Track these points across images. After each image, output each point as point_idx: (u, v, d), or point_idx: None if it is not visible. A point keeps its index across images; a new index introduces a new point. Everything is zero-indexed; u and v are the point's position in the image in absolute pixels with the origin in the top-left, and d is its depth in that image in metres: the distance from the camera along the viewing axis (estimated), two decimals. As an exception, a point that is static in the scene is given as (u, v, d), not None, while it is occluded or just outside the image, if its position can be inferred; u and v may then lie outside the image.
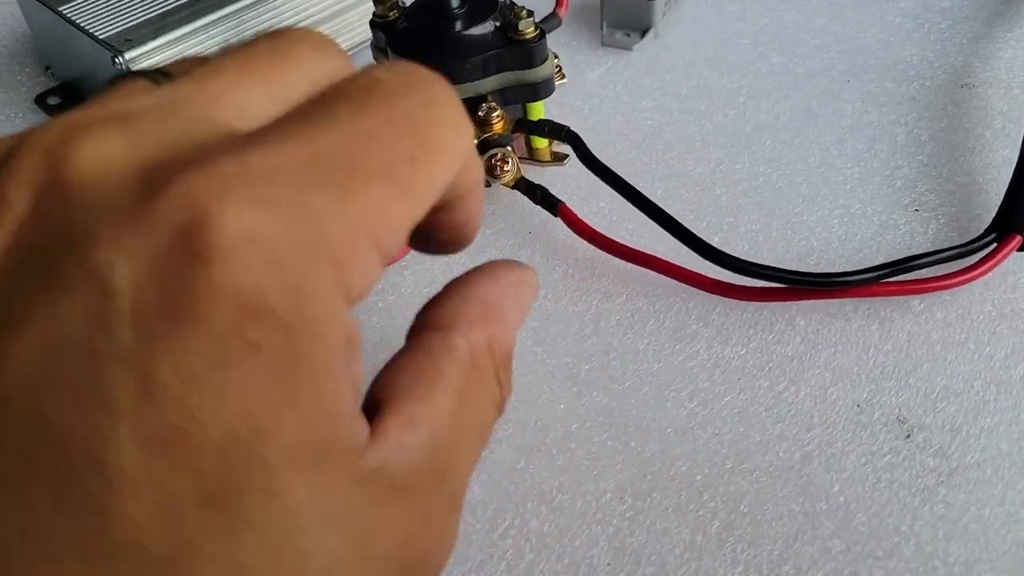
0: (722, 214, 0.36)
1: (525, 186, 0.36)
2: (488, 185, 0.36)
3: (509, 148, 0.36)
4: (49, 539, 0.14)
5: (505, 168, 0.35)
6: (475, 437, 0.19)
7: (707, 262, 0.32)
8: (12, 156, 0.16)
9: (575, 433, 0.29)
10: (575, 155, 0.35)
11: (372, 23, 0.37)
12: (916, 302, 0.32)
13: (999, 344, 0.30)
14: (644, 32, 0.45)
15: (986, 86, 0.40)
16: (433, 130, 0.18)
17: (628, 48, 0.45)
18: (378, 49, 0.38)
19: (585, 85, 0.43)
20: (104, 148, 0.15)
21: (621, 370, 0.31)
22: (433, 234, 0.22)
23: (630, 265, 0.34)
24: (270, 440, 0.15)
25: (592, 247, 0.34)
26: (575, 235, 0.35)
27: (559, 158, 0.37)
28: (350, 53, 0.45)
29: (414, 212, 0.17)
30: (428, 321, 0.20)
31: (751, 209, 0.36)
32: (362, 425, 0.17)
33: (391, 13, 0.36)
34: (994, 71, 0.41)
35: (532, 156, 0.38)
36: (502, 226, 0.37)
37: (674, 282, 0.33)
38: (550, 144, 0.38)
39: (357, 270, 0.16)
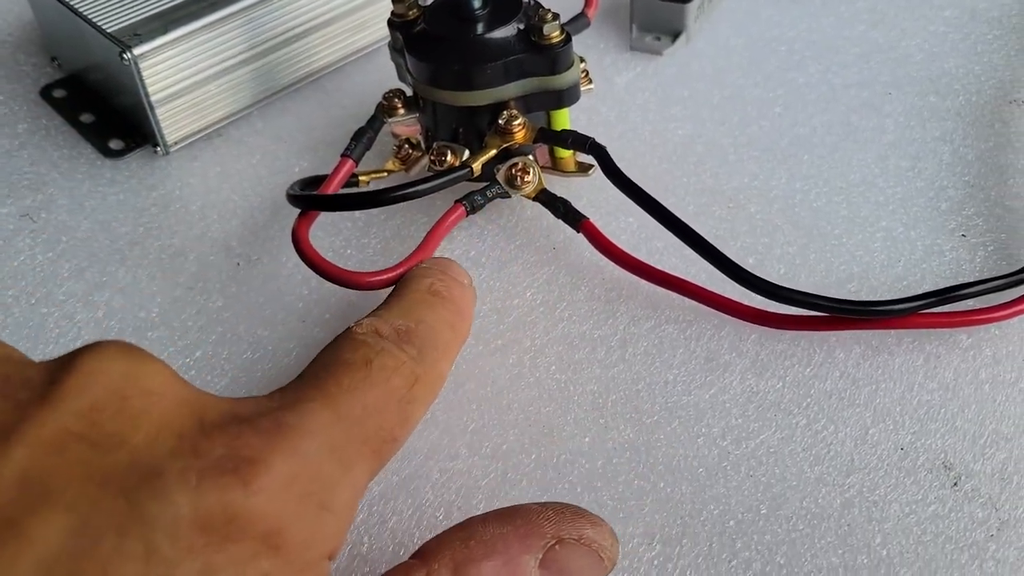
0: (757, 234, 0.34)
1: (547, 198, 0.34)
2: (508, 196, 0.34)
3: (531, 157, 0.34)
4: None
5: (526, 179, 0.34)
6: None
7: (741, 287, 0.30)
8: None
9: (601, 471, 0.28)
10: (600, 169, 0.33)
11: (390, 23, 0.35)
12: (963, 336, 0.30)
13: (1053, 386, 0.29)
14: (675, 36, 0.43)
15: (1037, 103, 0.38)
16: (413, 411, 0.23)
17: (658, 53, 0.43)
18: (395, 50, 0.36)
19: (612, 91, 0.41)
20: None
21: (649, 402, 0.29)
22: None
23: (655, 290, 0.32)
24: None
25: (614, 271, 0.33)
26: (596, 256, 0.33)
27: (584, 168, 0.36)
28: (367, 51, 0.43)
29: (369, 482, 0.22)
30: None
31: (787, 230, 0.34)
32: None
33: (410, 12, 0.34)
34: (1045, 87, 0.39)
35: (555, 166, 0.36)
36: (523, 240, 0.35)
37: (703, 309, 0.31)
38: (575, 153, 0.36)
39: (343, 531, 0.21)
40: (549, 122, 0.35)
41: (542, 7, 0.33)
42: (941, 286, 0.31)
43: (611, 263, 0.33)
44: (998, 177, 0.35)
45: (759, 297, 0.30)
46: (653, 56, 0.43)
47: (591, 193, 0.36)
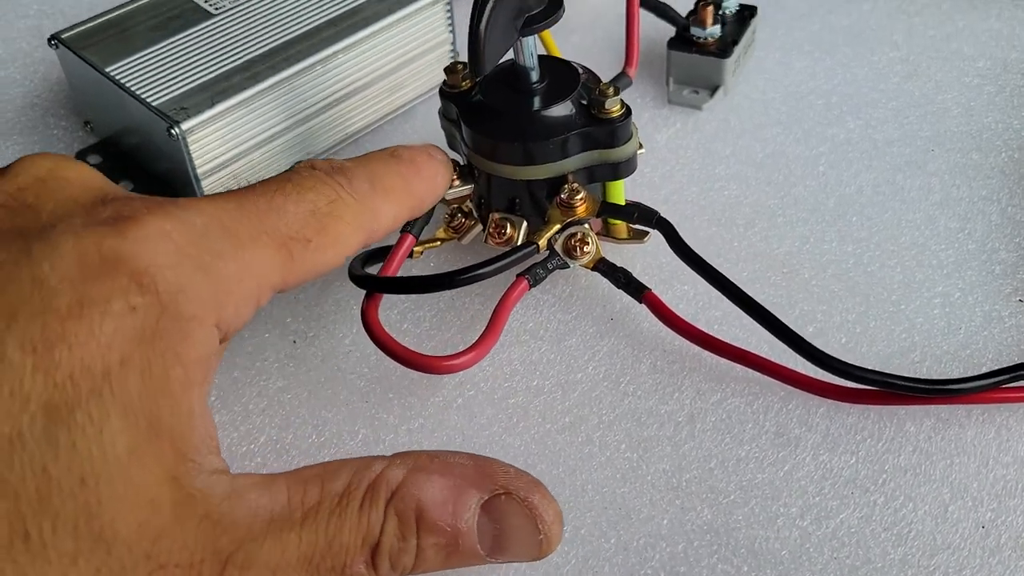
0: (814, 301, 0.34)
1: (606, 268, 0.34)
2: (567, 267, 0.34)
3: (587, 226, 0.34)
4: None
5: (585, 249, 0.34)
6: (312, 568, 0.22)
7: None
8: None
9: (683, 555, 0.28)
10: (667, 244, 0.33)
11: (442, 93, 0.35)
12: (1033, 409, 0.30)
13: None
14: (713, 90, 0.43)
15: (1079, 160, 0.38)
16: (333, 223, 0.26)
17: (697, 107, 0.43)
18: (448, 120, 0.36)
19: (655, 149, 0.41)
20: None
21: (724, 480, 0.29)
22: None
23: (717, 360, 0.32)
24: (114, 383, 0.20)
25: (674, 341, 0.33)
26: (656, 325, 0.33)
27: (638, 235, 0.36)
28: (404, 109, 0.43)
29: (294, 280, 0.25)
30: None
31: (844, 296, 0.34)
32: (208, 445, 0.22)
33: (463, 83, 0.34)
34: (1085, 142, 0.39)
35: (608, 232, 0.36)
36: (580, 311, 0.35)
37: (767, 380, 0.31)
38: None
39: (234, 304, 0.23)
40: (604, 191, 0.35)
41: (601, 80, 0.33)
42: (1005, 355, 0.32)
43: (671, 333, 0.33)
44: (1049, 238, 0.36)
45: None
46: (692, 111, 0.43)
47: (643, 259, 0.36)
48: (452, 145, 0.36)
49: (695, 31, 0.43)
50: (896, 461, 0.29)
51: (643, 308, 0.34)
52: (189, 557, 0.21)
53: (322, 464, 0.24)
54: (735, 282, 0.32)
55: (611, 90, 0.32)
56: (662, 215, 0.34)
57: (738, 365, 0.32)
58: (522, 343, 0.34)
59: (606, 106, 0.32)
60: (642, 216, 0.34)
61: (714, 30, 0.42)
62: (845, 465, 0.29)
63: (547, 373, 0.33)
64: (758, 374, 0.32)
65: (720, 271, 0.32)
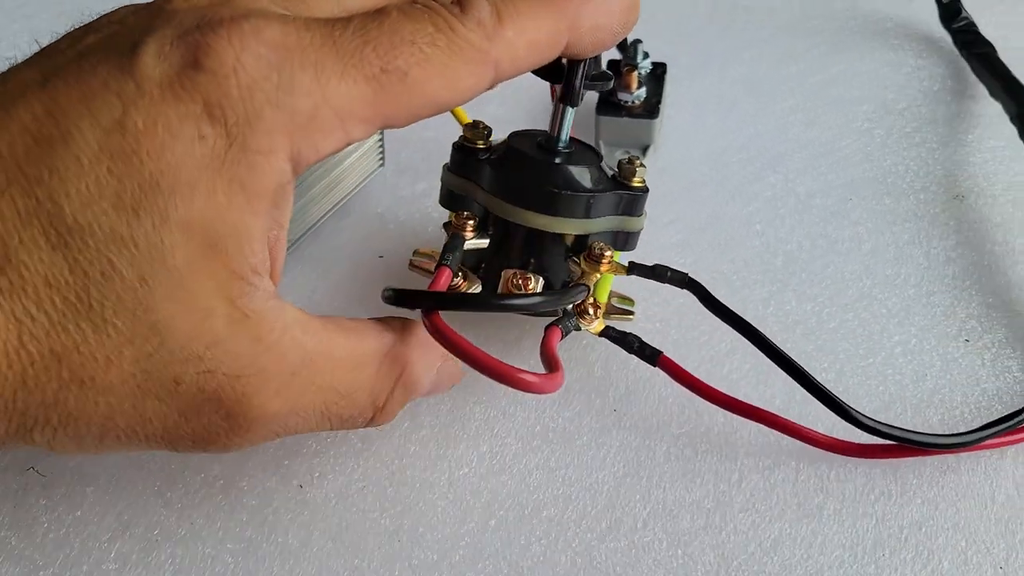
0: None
1: (616, 335, 0.34)
2: (579, 329, 0.33)
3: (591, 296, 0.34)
4: None
5: (598, 312, 0.33)
6: (317, 413, 0.26)
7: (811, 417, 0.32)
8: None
9: (754, 648, 0.29)
10: (701, 302, 0.34)
11: (458, 146, 0.34)
12: (1010, 448, 0.33)
13: (1095, 481, 0.33)
14: (644, 150, 0.44)
15: (975, 196, 0.43)
16: (438, 54, 0.25)
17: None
18: (458, 174, 0.34)
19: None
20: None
21: (767, 563, 0.31)
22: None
23: (723, 434, 0.33)
24: (179, 202, 0.22)
25: (681, 424, 0.34)
26: (658, 409, 0.34)
27: (624, 312, 0.36)
28: (344, 201, 0.41)
29: (394, 114, 0.25)
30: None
31: (818, 356, 0.37)
32: (265, 268, 0.24)
33: (480, 143, 0.33)
34: (974, 179, 0.44)
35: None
36: (581, 406, 0.35)
37: (774, 445, 0.33)
38: (611, 297, 0.36)
39: (310, 138, 0.24)
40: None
41: (632, 156, 0.34)
42: (971, 396, 0.35)
43: (674, 418, 0.34)
44: (972, 276, 0.40)
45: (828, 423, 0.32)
46: (624, 179, 0.44)
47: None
48: (447, 203, 0.35)
49: (621, 95, 0.44)
50: (911, 516, 0.32)
51: (640, 394, 0.35)
52: (238, 371, 0.24)
53: (363, 321, 0.28)
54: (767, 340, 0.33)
55: (638, 161, 0.34)
56: (690, 275, 0.34)
57: (746, 436, 0.33)
58: (535, 449, 0.34)
59: (637, 174, 0.34)
60: (674, 277, 0.34)
61: (640, 92, 0.44)
62: (868, 527, 0.32)
63: (569, 479, 0.33)
64: (764, 444, 0.33)
65: (754, 325, 0.33)
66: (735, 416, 0.34)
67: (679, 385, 0.33)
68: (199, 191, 0.23)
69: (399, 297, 0.29)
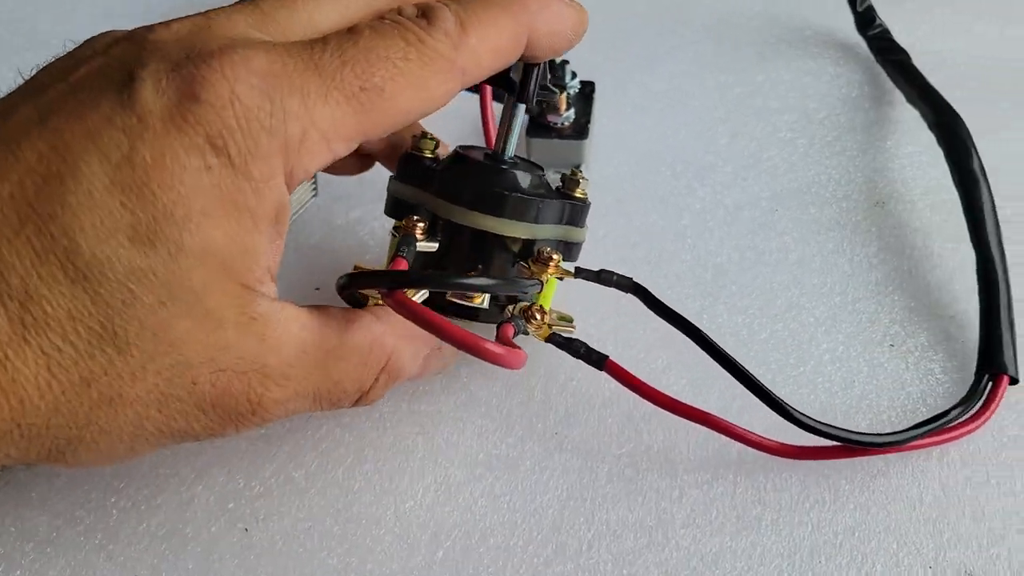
0: (730, 376, 0.37)
1: (561, 340, 0.34)
2: (527, 334, 0.34)
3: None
4: None
5: (545, 319, 0.34)
6: (310, 397, 0.29)
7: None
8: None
9: (700, 663, 0.30)
10: (645, 305, 0.35)
11: (411, 156, 0.34)
12: (935, 449, 0.35)
13: (1015, 477, 0.34)
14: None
15: (894, 202, 0.44)
16: (410, 68, 0.27)
17: (560, 194, 0.44)
18: (407, 183, 0.34)
19: (535, 244, 0.42)
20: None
21: (710, 577, 0.32)
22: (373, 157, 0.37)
23: (662, 451, 0.34)
24: (194, 229, 0.24)
25: (622, 444, 0.34)
26: (599, 430, 0.35)
27: (565, 326, 0.36)
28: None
29: (374, 127, 0.27)
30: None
31: (753, 366, 0.37)
32: (270, 273, 0.27)
33: (427, 152, 0.34)
34: (893, 185, 0.45)
35: None
36: (523, 431, 0.36)
37: (712, 460, 0.34)
38: (551, 313, 0.36)
39: (301, 160, 0.26)
40: None
41: (575, 170, 0.35)
42: (898, 401, 0.36)
43: (614, 439, 0.35)
44: (893, 281, 0.41)
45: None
46: (556, 199, 0.44)
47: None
48: (394, 212, 0.35)
49: (551, 117, 0.44)
50: (845, 521, 0.33)
51: (580, 416, 0.36)
52: (245, 368, 0.26)
53: (354, 311, 0.30)
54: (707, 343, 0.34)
55: (580, 174, 0.35)
56: (635, 281, 0.35)
57: (685, 452, 0.34)
58: (479, 477, 0.34)
59: (580, 186, 0.35)
60: (620, 282, 0.35)
61: (569, 114, 0.44)
62: (804, 535, 0.33)
63: (514, 505, 0.33)
64: (704, 459, 0.34)
65: (697, 326, 0.34)
66: (674, 433, 0.35)
67: (618, 407, 0.34)
68: (211, 219, 0.24)
69: (353, 279, 0.30)
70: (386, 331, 0.30)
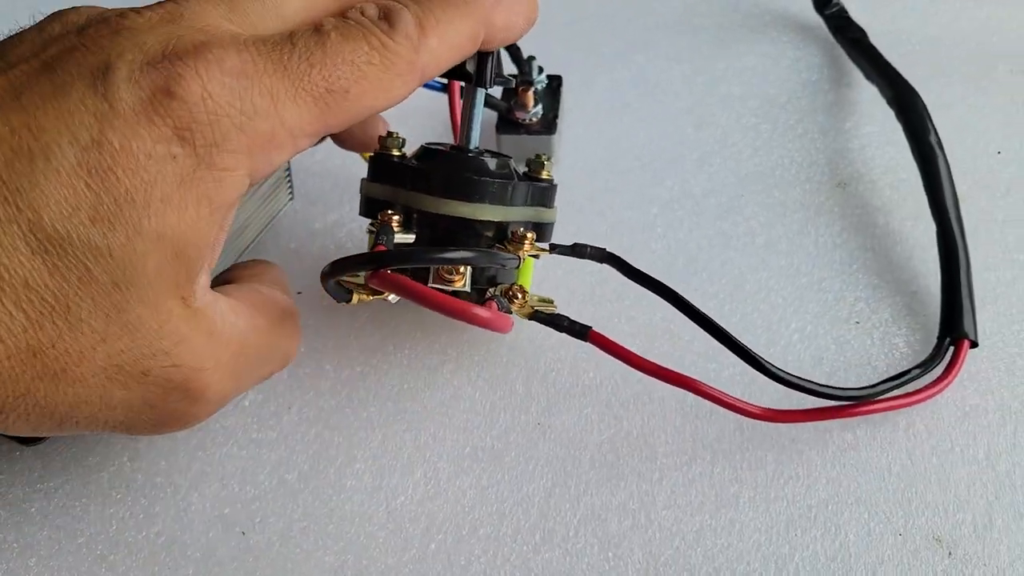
0: (704, 360, 0.38)
1: (544, 316, 0.35)
2: (509, 312, 0.35)
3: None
4: None
5: (525, 298, 0.35)
6: (253, 378, 0.31)
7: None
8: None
9: (686, 637, 0.31)
10: (621, 273, 0.36)
11: (380, 156, 0.35)
12: (900, 419, 0.36)
13: (977, 445, 0.36)
14: (544, 167, 0.46)
15: (855, 182, 0.46)
16: (373, 71, 0.28)
17: (532, 190, 0.45)
18: (379, 182, 0.35)
19: (510, 239, 0.43)
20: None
21: (692, 556, 0.33)
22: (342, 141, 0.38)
23: (641, 436, 0.36)
24: (152, 215, 0.25)
25: (603, 431, 0.36)
26: (580, 419, 0.36)
27: (547, 301, 0.37)
28: (255, 242, 0.42)
29: (337, 124, 0.28)
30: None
31: (725, 351, 0.39)
32: (210, 266, 0.28)
33: (394, 151, 0.35)
34: (854, 165, 0.47)
35: None
36: (508, 422, 0.37)
37: (689, 441, 0.35)
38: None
39: (268, 154, 0.27)
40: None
41: (539, 154, 0.37)
42: (865, 376, 0.38)
43: (596, 427, 0.36)
44: (857, 260, 0.42)
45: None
46: (528, 194, 0.45)
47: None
48: (368, 211, 0.36)
49: (519, 113, 0.45)
50: (818, 495, 0.34)
51: (562, 405, 0.37)
52: (199, 364, 0.27)
53: (268, 289, 0.32)
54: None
55: (544, 157, 0.37)
56: (609, 250, 0.37)
57: (663, 436, 0.36)
58: (466, 470, 0.35)
59: (545, 169, 0.36)
60: (594, 252, 0.36)
61: (537, 110, 0.45)
62: (780, 510, 0.34)
63: (502, 495, 0.35)
64: (682, 441, 0.36)
65: (675, 290, 0.35)
66: (652, 418, 0.37)
67: (597, 395, 0.35)
68: (171, 206, 0.25)
69: (337, 265, 0.30)
70: (286, 297, 0.33)
